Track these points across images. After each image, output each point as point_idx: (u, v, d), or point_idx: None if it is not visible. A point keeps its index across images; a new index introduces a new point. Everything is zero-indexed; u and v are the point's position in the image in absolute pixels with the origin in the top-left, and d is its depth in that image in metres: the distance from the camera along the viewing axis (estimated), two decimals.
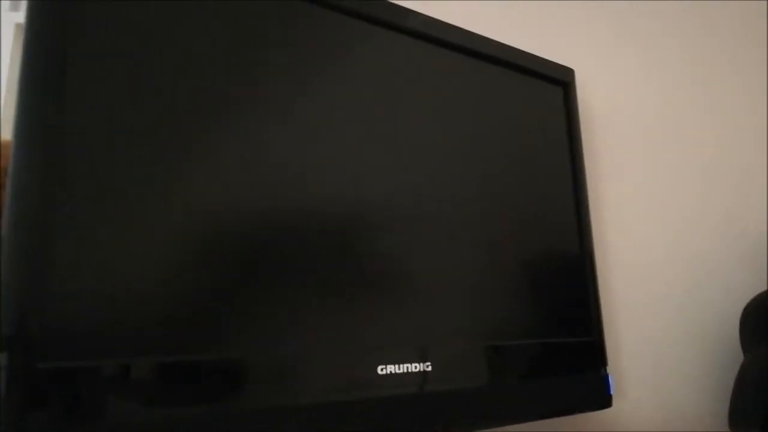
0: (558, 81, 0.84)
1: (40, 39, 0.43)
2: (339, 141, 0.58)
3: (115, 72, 0.46)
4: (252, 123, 0.52)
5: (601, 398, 0.75)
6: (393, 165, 0.62)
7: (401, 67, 0.65)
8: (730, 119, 0.98)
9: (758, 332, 0.76)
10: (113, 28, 0.46)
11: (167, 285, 0.45)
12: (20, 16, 0.80)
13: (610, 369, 0.85)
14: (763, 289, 0.88)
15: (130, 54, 0.47)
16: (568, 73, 0.85)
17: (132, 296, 0.43)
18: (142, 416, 0.41)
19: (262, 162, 0.52)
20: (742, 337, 0.78)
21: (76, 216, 0.42)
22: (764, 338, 0.74)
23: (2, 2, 0.79)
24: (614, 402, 0.84)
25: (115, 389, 0.40)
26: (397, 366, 0.56)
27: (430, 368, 0.58)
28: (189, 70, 0.50)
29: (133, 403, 0.41)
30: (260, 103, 0.53)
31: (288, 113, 0.55)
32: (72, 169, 0.42)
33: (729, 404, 0.75)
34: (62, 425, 0.38)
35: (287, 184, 0.54)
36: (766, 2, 1.05)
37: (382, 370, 0.55)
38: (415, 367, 0.57)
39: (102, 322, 0.42)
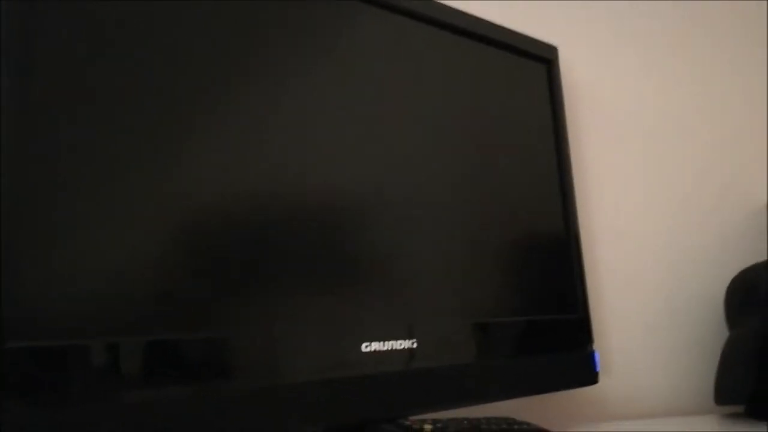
0: (541, 58, 0.83)
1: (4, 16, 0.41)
2: (322, 120, 0.57)
3: (102, 55, 0.45)
4: (241, 109, 0.51)
5: (588, 375, 0.75)
6: (376, 144, 0.61)
7: (382, 45, 0.64)
8: (716, 94, 0.98)
9: (743, 308, 0.76)
10: (92, 10, 0.45)
11: (151, 266, 0.44)
12: None
13: (595, 346, 0.85)
14: (748, 265, 0.88)
15: (115, 39, 0.46)
16: (551, 50, 0.84)
17: (107, 277, 0.42)
18: (116, 397, 0.40)
19: (251, 146, 0.51)
20: (728, 312, 0.79)
21: (55, 197, 0.41)
22: (748, 313, 0.74)
23: None
24: (600, 379, 0.84)
25: (90, 369, 0.39)
26: (381, 343, 0.55)
27: (415, 345, 0.58)
28: (180, 57, 0.48)
29: (107, 383, 0.40)
30: (252, 89, 0.52)
31: (278, 96, 0.54)
32: (51, 146, 0.41)
33: (714, 380, 0.75)
34: (35, 405, 0.36)
35: (274, 167, 0.53)
36: None
37: (366, 347, 0.54)
38: (401, 345, 0.57)
39: (82, 302, 0.40)
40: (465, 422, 0.54)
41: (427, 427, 0.50)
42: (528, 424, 0.59)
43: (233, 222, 0.49)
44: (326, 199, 0.56)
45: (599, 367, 0.84)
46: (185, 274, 0.46)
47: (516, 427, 0.56)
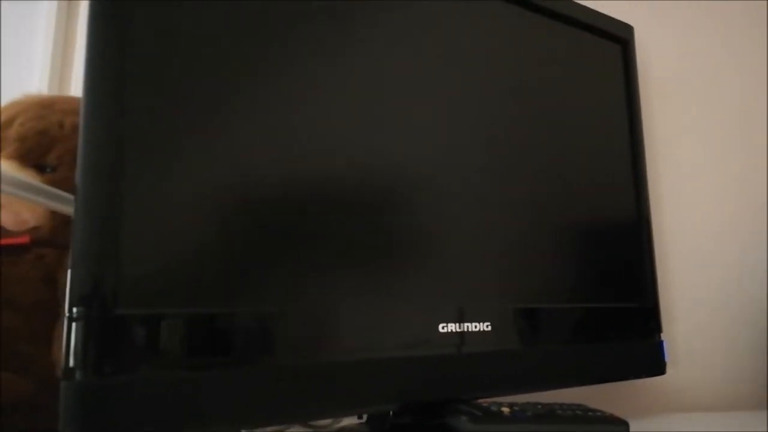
0: (617, 38, 0.81)
1: (102, 22, 0.41)
2: (383, 97, 0.56)
3: (169, 51, 0.45)
4: (296, 88, 0.50)
5: (656, 365, 0.74)
6: (443, 121, 0.60)
7: (452, 19, 0.63)
8: None
9: None
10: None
11: (227, 243, 0.44)
12: None
13: (663, 336, 0.83)
14: None
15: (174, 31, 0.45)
16: (628, 30, 0.82)
17: (194, 252, 0.43)
18: (206, 362, 0.40)
19: (310, 125, 0.51)
20: None
21: (141, 183, 0.41)
22: None
23: None
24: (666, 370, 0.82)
25: (183, 336, 0.40)
26: (457, 324, 0.55)
27: (489, 328, 0.57)
28: (225, 41, 0.48)
29: (197, 350, 0.40)
30: (306, 68, 0.52)
31: (329, 75, 0.53)
32: (134, 137, 0.42)
33: None
34: (135, 367, 0.37)
35: (340, 145, 0.52)
36: None
37: (443, 328, 0.54)
38: (476, 327, 0.56)
39: (167, 275, 0.41)
40: (539, 406, 0.53)
41: (505, 409, 0.49)
42: (601, 411, 0.58)
43: (307, 202, 0.49)
44: (390, 181, 0.55)
45: (667, 358, 0.82)
46: (265, 251, 0.46)
47: (590, 414, 0.55)
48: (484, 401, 0.57)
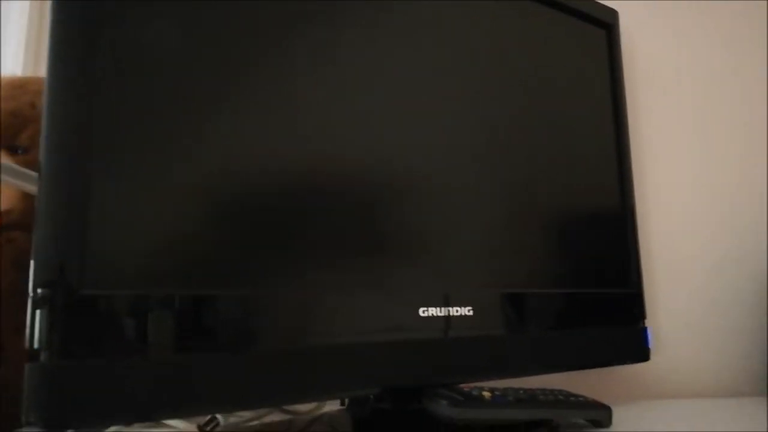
0: (601, 23, 0.80)
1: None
2: (369, 89, 0.55)
3: (146, 28, 0.43)
4: (285, 77, 0.49)
5: (639, 351, 0.74)
6: (426, 109, 0.59)
7: (434, 7, 0.62)
8: None
9: None
10: None
11: (200, 224, 0.43)
12: None
13: (647, 323, 0.83)
14: None
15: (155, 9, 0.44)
16: (612, 14, 0.81)
17: (168, 232, 0.41)
18: (174, 345, 0.39)
19: (300, 115, 0.50)
20: None
21: (111, 161, 0.40)
22: None
23: None
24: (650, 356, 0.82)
25: (153, 318, 0.39)
26: (438, 309, 0.54)
27: (471, 313, 0.56)
28: (216, 28, 0.47)
29: (169, 332, 0.39)
30: (298, 58, 0.50)
31: (319, 68, 0.52)
32: (103, 114, 0.40)
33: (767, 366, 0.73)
34: (103, 349, 0.36)
35: (328, 135, 0.51)
36: None
37: (423, 312, 0.53)
38: (457, 311, 0.55)
39: (137, 255, 0.40)
40: (521, 392, 0.53)
41: (486, 393, 0.48)
42: (584, 396, 0.58)
43: (289, 190, 0.48)
44: (375, 167, 0.54)
45: (651, 344, 0.82)
46: (241, 236, 0.45)
47: (572, 399, 0.55)
48: (466, 386, 0.56)
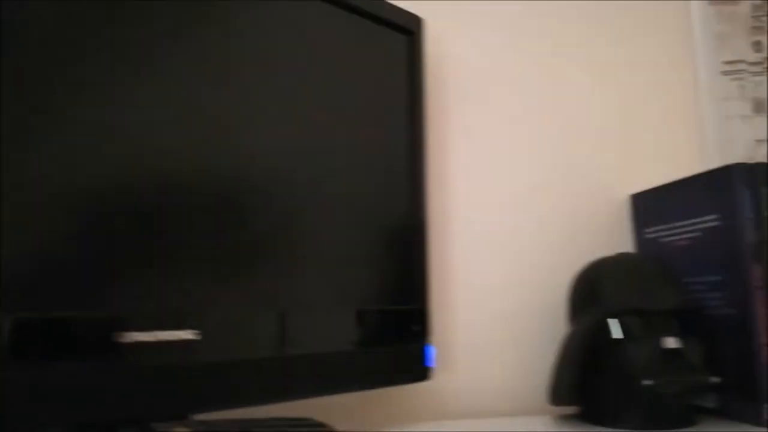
0: (403, 29, 0.77)
1: None
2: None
3: None
4: (139, 87, 0.49)
5: (418, 371, 0.71)
6: (229, 120, 0.54)
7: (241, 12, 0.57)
8: (585, 85, 0.94)
9: (582, 303, 0.73)
10: None
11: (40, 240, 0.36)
12: None
13: (440, 340, 0.81)
14: None
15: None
16: (416, 21, 0.78)
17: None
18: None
19: (141, 127, 0.47)
20: (569, 308, 0.75)
21: None
22: (585, 310, 0.71)
23: None
24: (442, 375, 0.80)
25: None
26: (147, 333, 0.48)
27: (198, 336, 0.51)
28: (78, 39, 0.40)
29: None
30: (148, 69, 0.47)
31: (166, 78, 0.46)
32: None
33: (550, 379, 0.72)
34: None
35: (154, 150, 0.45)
36: None
37: (124, 337, 0.47)
38: (176, 335, 0.50)
39: None
40: (237, 424, 0.48)
41: (180, 430, 0.43)
42: (322, 425, 0.54)
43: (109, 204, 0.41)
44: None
45: (436, 363, 0.80)
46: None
47: (303, 430, 0.50)
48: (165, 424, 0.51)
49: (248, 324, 0.56)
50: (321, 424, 0.54)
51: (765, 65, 0.98)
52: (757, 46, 0.98)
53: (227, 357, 0.54)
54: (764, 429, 0.64)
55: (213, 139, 0.57)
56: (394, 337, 0.69)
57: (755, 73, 0.97)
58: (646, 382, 0.62)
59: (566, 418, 0.73)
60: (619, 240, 0.88)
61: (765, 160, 0.78)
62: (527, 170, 0.89)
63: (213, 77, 0.56)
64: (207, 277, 0.54)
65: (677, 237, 0.79)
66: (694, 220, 0.76)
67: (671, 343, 0.63)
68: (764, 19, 0.98)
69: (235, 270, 0.57)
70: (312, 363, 0.61)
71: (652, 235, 0.84)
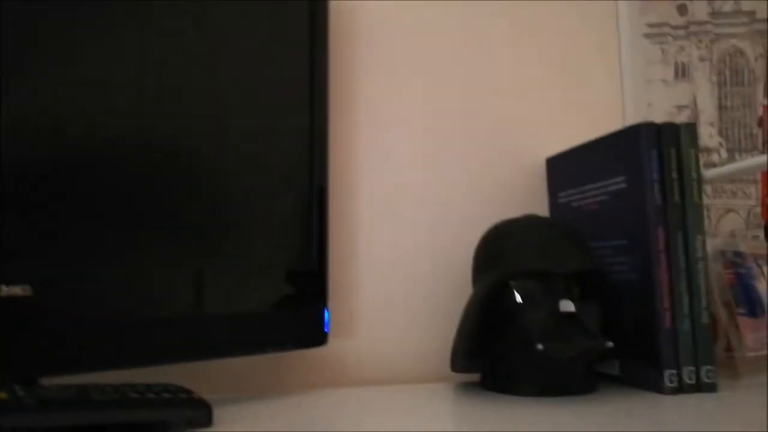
0: None
1: None
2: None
3: None
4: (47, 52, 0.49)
5: (315, 336, 0.68)
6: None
7: None
8: (504, 49, 0.90)
9: (481, 267, 0.70)
10: None
11: None
12: None
13: (342, 305, 0.77)
14: None
15: None
16: None
17: None
18: None
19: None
20: (472, 273, 0.73)
21: None
22: (484, 273, 0.69)
23: None
24: (344, 340, 0.77)
25: None
26: None
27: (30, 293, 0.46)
28: None
29: None
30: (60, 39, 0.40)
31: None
32: None
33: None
34: None
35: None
36: None
37: None
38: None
39: None
40: (73, 389, 0.44)
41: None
42: (187, 392, 0.50)
43: None
44: None
45: (337, 328, 0.77)
46: None
47: (151, 396, 0.46)
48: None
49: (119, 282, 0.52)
50: (184, 390, 0.50)
51: (689, 29, 0.96)
52: (682, 9, 0.96)
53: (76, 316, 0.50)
54: (665, 395, 0.63)
55: (123, 108, 0.55)
56: (289, 300, 0.65)
57: (679, 37, 0.95)
58: (539, 347, 0.60)
59: (468, 386, 0.71)
60: (535, 205, 0.86)
61: None
62: (441, 129, 0.85)
63: (127, 50, 0.56)
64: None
65: (588, 201, 0.76)
66: (602, 183, 0.74)
67: (567, 306, 0.61)
68: None
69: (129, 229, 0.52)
70: (185, 326, 0.57)
71: (564, 200, 0.82)
